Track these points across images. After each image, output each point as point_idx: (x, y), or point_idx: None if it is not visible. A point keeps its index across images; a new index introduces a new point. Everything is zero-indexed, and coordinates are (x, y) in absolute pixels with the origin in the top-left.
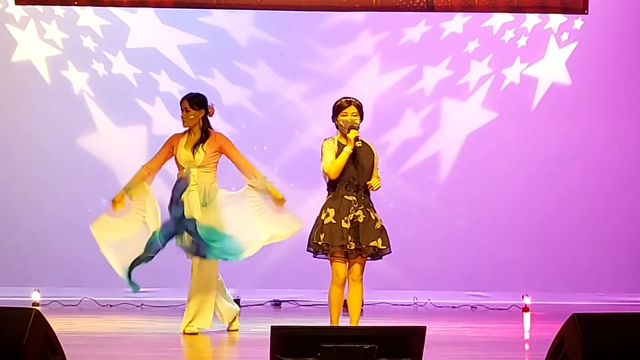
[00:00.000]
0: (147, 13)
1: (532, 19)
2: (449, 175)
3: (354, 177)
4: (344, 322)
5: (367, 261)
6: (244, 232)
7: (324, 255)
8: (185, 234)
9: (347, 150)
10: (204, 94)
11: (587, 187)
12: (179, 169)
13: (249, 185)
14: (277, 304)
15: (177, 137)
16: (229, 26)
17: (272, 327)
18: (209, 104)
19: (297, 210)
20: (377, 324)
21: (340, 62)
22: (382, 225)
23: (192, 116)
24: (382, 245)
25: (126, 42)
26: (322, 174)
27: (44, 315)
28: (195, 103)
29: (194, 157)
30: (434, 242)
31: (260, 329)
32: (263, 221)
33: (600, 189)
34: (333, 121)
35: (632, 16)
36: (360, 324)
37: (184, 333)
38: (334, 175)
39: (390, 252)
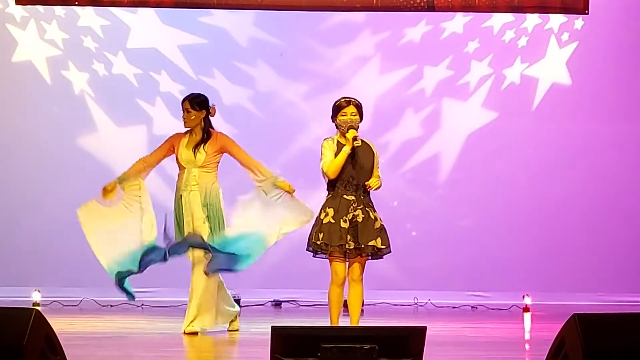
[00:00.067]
0: (147, 13)
1: (532, 19)
2: (450, 176)
3: (353, 177)
4: (344, 322)
5: (367, 261)
6: (264, 226)
7: (323, 255)
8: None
9: (346, 149)
10: (205, 94)
11: (587, 187)
12: (179, 169)
13: (258, 186)
14: (277, 304)
15: (178, 136)
16: (229, 26)
17: (272, 327)
18: (210, 104)
19: None
20: (378, 324)
21: (340, 62)
22: (381, 225)
23: (193, 117)
24: (382, 244)
25: (127, 42)
26: (322, 174)
27: (45, 316)
28: (197, 104)
29: (195, 157)
30: (434, 242)
31: (261, 329)
32: (277, 212)
33: (600, 189)
34: (333, 121)
35: (633, 16)
36: (360, 324)
37: (185, 333)
38: (332, 174)
39: (390, 251)
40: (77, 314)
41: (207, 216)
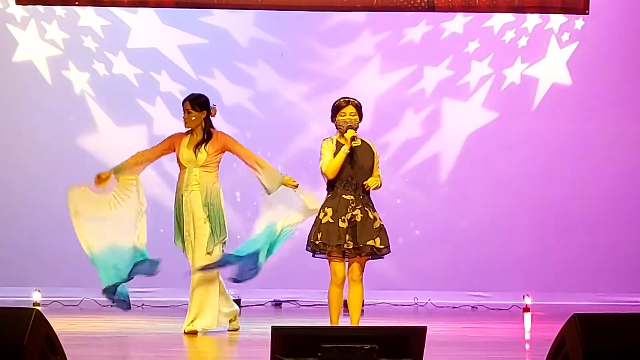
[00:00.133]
0: (147, 13)
1: (532, 19)
2: (450, 176)
3: (352, 177)
4: (344, 322)
5: (367, 261)
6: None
7: (322, 255)
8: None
9: (345, 149)
10: (206, 95)
11: (587, 187)
12: (180, 169)
13: (262, 183)
14: (277, 304)
15: (179, 136)
16: (230, 26)
17: (272, 327)
18: (210, 104)
19: None
20: (378, 324)
21: (340, 62)
22: (381, 225)
23: (194, 117)
24: (381, 244)
25: (127, 42)
26: (321, 174)
27: (45, 315)
28: (197, 104)
29: (196, 156)
30: (434, 242)
31: (261, 329)
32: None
33: (600, 189)
34: (332, 121)
35: (633, 16)
36: (360, 324)
37: (185, 333)
38: (331, 174)
39: (389, 251)
40: (77, 314)
41: (208, 216)
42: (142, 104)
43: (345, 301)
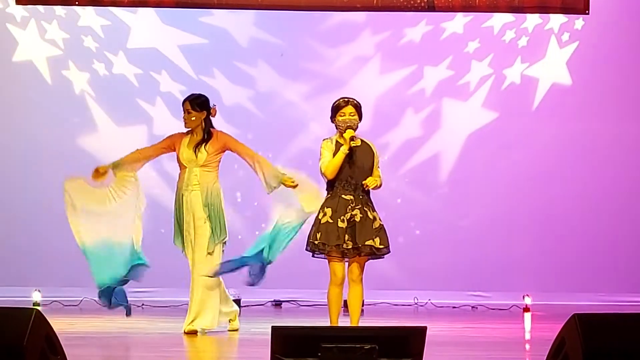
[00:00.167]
0: (147, 13)
1: (532, 19)
2: (450, 176)
3: (351, 177)
4: (344, 322)
5: (367, 261)
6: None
7: (322, 255)
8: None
9: (344, 150)
10: (206, 95)
11: (587, 187)
12: (180, 169)
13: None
14: (277, 304)
15: (179, 136)
16: (230, 26)
17: (272, 327)
18: (211, 105)
19: None
20: (378, 324)
21: (340, 62)
22: (380, 225)
23: (194, 117)
24: (380, 244)
25: (127, 42)
26: (321, 174)
27: (45, 315)
28: (197, 104)
29: (196, 156)
30: (434, 242)
31: (261, 329)
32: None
33: (600, 189)
34: (332, 121)
35: (633, 16)
36: (360, 324)
37: (185, 333)
38: (330, 174)
39: (389, 251)
40: (77, 314)
41: (208, 216)
42: (142, 104)
43: (345, 301)
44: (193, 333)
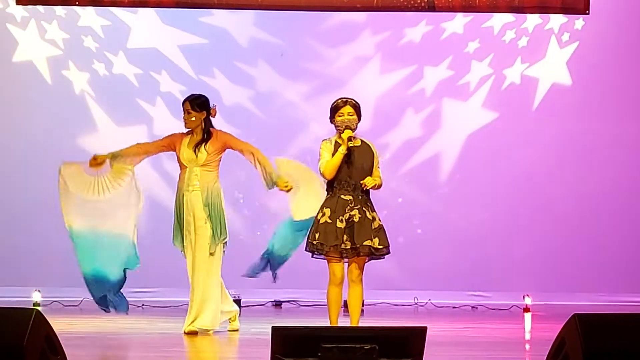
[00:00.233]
0: (147, 13)
1: (532, 19)
2: (450, 176)
3: (349, 177)
4: (344, 322)
5: (367, 262)
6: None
7: (321, 255)
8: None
9: (342, 150)
10: (206, 95)
11: (587, 187)
12: (181, 169)
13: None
14: (277, 304)
15: (180, 136)
16: (230, 26)
17: (272, 327)
18: (211, 105)
19: None
20: (378, 324)
21: (340, 62)
22: (380, 225)
23: (194, 118)
24: (379, 244)
25: (127, 42)
26: (320, 175)
27: (45, 316)
28: (197, 105)
29: (196, 156)
30: (434, 242)
31: (261, 329)
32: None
33: (600, 189)
34: (331, 122)
35: (633, 16)
36: (360, 324)
37: (185, 333)
38: (329, 175)
39: (388, 252)
40: (77, 314)
41: (209, 216)
42: (142, 104)
43: (345, 301)
44: (193, 334)
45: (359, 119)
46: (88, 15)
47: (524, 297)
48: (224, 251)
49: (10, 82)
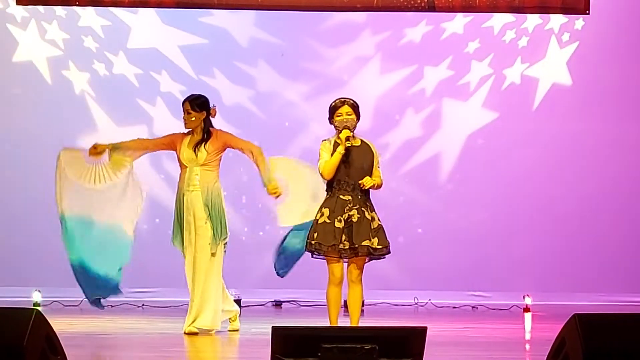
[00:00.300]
0: (148, 13)
1: (533, 20)
2: (450, 176)
3: (348, 177)
4: (344, 322)
5: (367, 262)
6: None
7: (320, 255)
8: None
9: (340, 150)
10: (206, 95)
11: (587, 187)
12: (181, 169)
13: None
14: (278, 304)
15: (181, 136)
16: (230, 26)
17: (273, 327)
18: (211, 105)
19: None
20: (378, 324)
21: (341, 62)
22: (379, 225)
23: (194, 118)
24: (378, 244)
25: (127, 42)
26: (320, 175)
27: (45, 316)
28: (197, 105)
29: (196, 155)
30: (434, 242)
31: (261, 329)
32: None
33: (600, 189)
34: (330, 123)
35: (634, 16)
36: (360, 325)
37: (185, 333)
38: (327, 175)
39: (388, 252)
40: (77, 314)
41: (209, 216)
42: (143, 104)
43: (345, 301)
44: (193, 334)
45: (358, 119)
46: (88, 15)
47: (524, 297)
48: (225, 251)
49: (10, 82)
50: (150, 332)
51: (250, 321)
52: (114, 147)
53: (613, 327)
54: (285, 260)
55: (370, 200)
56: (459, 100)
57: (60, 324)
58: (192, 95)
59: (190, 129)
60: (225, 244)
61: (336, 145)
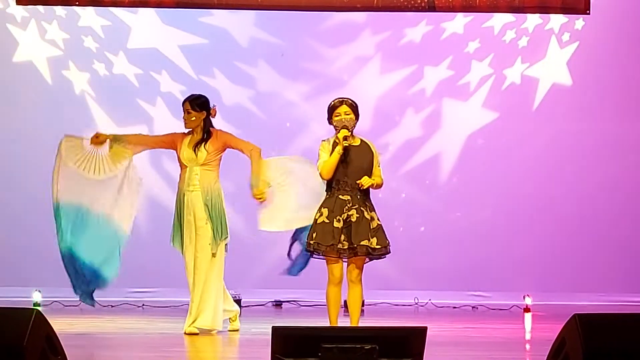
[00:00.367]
0: (148, 13)
1: (533, 19)
2: (450, 176)
3: (346, 176)
4: (344, 322)
5: (367, 262)
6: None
7: (319, 255)
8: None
9: (338, 150)
10: (206, 95)
11: (587, 187)
12: (181, 169)
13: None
14: (278, 304)
15: (181, 136)
16: (230, 26)
17: (273, 327)
18: (211, 105)
19: None
20: (378, 324)
21: (341, 62)
22: (378, 225)
23: (194, 118)
24: (377, 244)
25: (127, 42)
26: (319, 175)
27: (45, 316)
28: (197, 105)
29: (196, 155)
30: (434, 242)
31: (261, 329)
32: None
33: (600, 189)
34: (329, 123)
35: (634, 16)
36: (361, 325)
37: (185, 333)
38: (326, 175)
39: (388, 252)
40: (77, 314)
41: (209, 216)
42: (143, 104)
43: (345, 301)
44: (194, 334)
45: (357, 118)
46: (88, 15)
47: (524, 297)
48: (226, 251)
49: (10, 82)
50: (150, 332)
51: (251, 321)
52: (115, 138)
53: (613, 327)
54: (303, 258)
55: (370, 200)
56: (459, 100)
57: (60, 324)
58: (192, 95)
59: (190, 129)
60: (227, 244)
61: (335, 145)
